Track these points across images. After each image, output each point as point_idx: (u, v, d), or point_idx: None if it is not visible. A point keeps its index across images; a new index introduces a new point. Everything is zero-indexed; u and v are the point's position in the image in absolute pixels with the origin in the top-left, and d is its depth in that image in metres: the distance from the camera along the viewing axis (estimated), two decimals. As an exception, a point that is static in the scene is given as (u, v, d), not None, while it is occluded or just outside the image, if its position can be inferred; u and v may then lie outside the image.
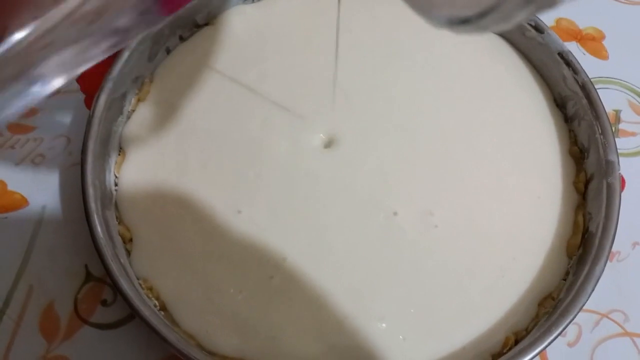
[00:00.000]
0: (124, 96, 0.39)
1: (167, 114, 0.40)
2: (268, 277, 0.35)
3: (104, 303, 0.36)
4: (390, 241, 0.36)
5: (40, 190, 0.39)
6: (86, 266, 0.37)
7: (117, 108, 0.39)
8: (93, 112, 0.36)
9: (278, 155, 0.38)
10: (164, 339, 0.31)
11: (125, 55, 0.38)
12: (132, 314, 0.35)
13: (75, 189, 0.35)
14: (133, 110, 0.40)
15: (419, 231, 0.37)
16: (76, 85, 0.43)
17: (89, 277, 0.37)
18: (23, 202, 0.39)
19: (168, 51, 0.42)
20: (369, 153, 0.39)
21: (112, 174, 0.38)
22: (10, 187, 0.39)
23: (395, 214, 0.37)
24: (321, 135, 0.39)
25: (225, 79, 0.41)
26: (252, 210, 0.37)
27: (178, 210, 0.37)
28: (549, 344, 0.32)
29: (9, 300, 0.36)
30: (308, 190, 0.38)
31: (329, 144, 0.39)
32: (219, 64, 0.42)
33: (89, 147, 0.35)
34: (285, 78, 0.41)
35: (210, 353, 0.33)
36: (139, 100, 0.40)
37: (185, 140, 0.39)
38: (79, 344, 0.35)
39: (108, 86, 0.37)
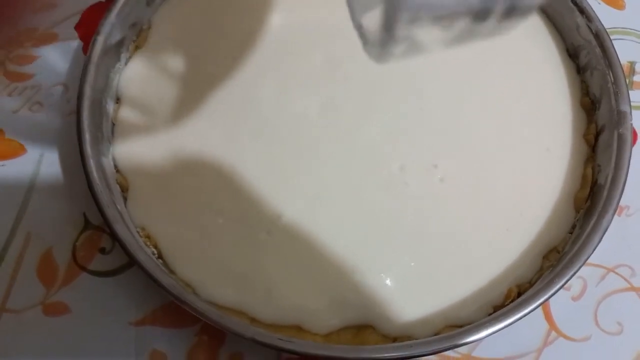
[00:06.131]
0: (121, 42, 0.38)
1: (164, 62, 0.39)
2: (265, 231, 0.34)
3: (102, 251, 0.36)
4: (394, 194, 0.36)
5: (38, 138, 0.39)
6: (84, 214, 0.37)
7: (114, 54, 0.38)
8: (89, 57, 0.36)
9: (276, 109, 0.37)
10: (161, 286, 0.31)
11: (123, -1, 0.37)
12: (130, 262, 0.35)
13: (73, 136, 0.35)
14: (130, 58, 0.39)
15: (423, 184, 0.36)
16: (74, 33, 0.42)
17: (87, 225, 0.37)
18: (21, 149, 0.39)
19: (167, -4, 0.41)
20: (372, 107, 0.38)
21: (109, 121, 0.37)
22: (7, 135, 0.39)
23: (398, 167, 0.36)
24: (324, 88, 0.38)
25: (225, 26, 0.40)
26: (247, 164, 0.36)
27: (172, 162, 0.36)
28: (551, 295, 0.32)
29: (7, 247, 0.36)
30: (309, 145, 0.37)
31: (331, 98, 0.38)
32: (219, 10, 0.40)
33: (85, 92, 0.35)
34: (287, 27, 0.40)
35: (206, 302, 0.33)
36: (136, 47, 0.39)
37: (181, 90, 0.38)
38: (77, 290, 0.35)
39: (105, 30, 0.36)
